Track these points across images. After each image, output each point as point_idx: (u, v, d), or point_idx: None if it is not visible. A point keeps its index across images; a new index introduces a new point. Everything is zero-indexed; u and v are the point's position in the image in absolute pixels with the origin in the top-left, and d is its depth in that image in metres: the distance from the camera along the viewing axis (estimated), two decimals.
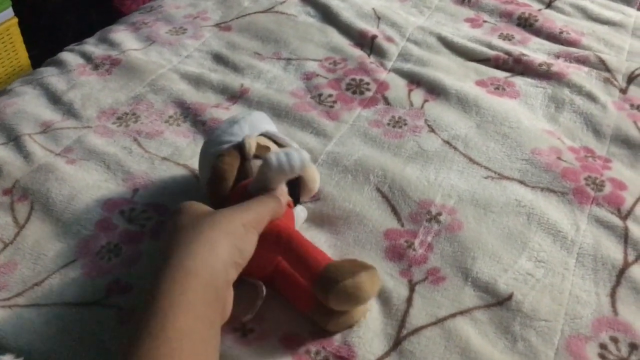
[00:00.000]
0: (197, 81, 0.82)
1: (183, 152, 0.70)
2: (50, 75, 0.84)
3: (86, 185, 0.65)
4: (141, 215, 0.62)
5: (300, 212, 0.59)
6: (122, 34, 0.93)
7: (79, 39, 0.96)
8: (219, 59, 0.86)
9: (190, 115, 0.76)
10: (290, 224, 0.54)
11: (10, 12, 1.55)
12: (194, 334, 0.39)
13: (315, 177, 0.58)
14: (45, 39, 1.73)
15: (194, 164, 0.68)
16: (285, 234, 0.50)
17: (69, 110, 0.77)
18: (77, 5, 1.78)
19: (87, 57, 0.87)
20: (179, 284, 0.41)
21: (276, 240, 0.50)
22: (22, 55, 1.62)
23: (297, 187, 0.55)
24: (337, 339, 0.51)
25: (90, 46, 0.91)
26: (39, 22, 1.75)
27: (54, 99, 0.79)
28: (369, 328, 0.52)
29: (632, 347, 0.50)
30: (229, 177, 0.55)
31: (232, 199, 0.54)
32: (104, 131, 0.73)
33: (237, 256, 0.45)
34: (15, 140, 0.71)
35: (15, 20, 1.56)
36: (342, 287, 0.47)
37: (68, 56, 0.88)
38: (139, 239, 0.60)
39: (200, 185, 0.60)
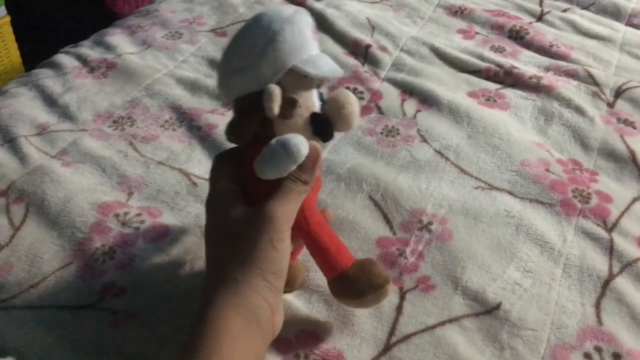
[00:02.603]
0: (192, 86, 0.82)
1: (178, 157, 0.71)
2: (45, 77, 0.84)
3: (81, 188, 0.66)
4: (135, 218, 0.63)
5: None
6: (118, 37, 0.93)
7: (70, 37, 0.96)
8: (215, 65, 0.87)
9: (186, 120, 0.76)
10: (316, 190, 0.52)
11: (2, 10, 1.54)
12: None
13: (354, 110, 0.50)
14: (37, 37, 1.73)
15: (189, 168, 0.69)
16: (308, 223, 0.49)
17: (65, 113, 0.77)
18: (68, 4, 1.78)
19: (83, 60, 0.88)
20: (224, 321, 0.42)
21: (298, 226, 0.48)
22: (14, 54, 1.62)
23: (326, 125, 0.49)
24: (325, 342, 0.52)
25: (86, 49, 0.91)
26: (30, 20, 1.75)
27: (50, 101, 0.80)
28: (358, 334, 0.53)
29: (616, 357, 0.52)
30: (245, 135, 0.47)
31: (247, 157, 0.48)
32: (99, 134, 0.74)
33: (273, 278, 0.45)
34: (10, 142, 0.72)
35: (8, 18, 1.56)
36: (346, 302, 0.51)
37: (64, 58, 0.89)
38: (133, 242, 0.60)
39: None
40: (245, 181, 0.49)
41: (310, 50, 0.48)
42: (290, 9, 0.49)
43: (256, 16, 0.48)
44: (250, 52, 0.46)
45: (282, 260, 0.46)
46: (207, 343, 0.41)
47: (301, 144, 0.46)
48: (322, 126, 0.48)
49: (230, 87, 0.49)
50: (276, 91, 0.46)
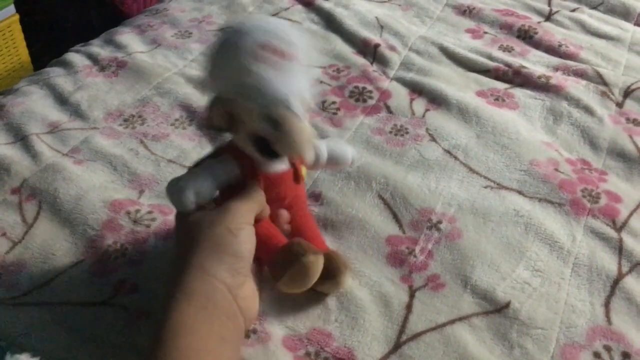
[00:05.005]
0: (202, 85, 0.83)
1: (189, 155, 0.71)
2: (56, 75, 0.85)
3: (93, 185, 0.66)
4: (147, 216, 0.63)
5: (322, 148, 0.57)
6: (127, 36, 0.94)
7: (78, 36, 0.97)
8: None
9: (196, 118, 0.77)
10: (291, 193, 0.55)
11: (11, 8, 1.55)
12: (200, 351, 0.42)
13: (298, 137, 0.48)
14: (45, 36, 1.74)
15: None
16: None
17: (76, 111, 0.78)
18: (77, 3, 1.78)
19: (94, 59, 0.88)
20: (177, 311, 0.43)
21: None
22: (23, 52, 1.63)
23: (264, 145, 0.49)
24: (336, 340, 0.52)
25: (96, 47, 0.92)
26: (39, 18, 1.76)
27: (61, 99, 0.80)
28: (369, 332, 0.53)
29: (625, 356, 0.52)
30: (210, 125, 0.51)
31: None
32: (110, 132, 0.74)
33: (234, 262, 0.46)
34: (23, 140, 0.72)
35: (17, 17, 1.57)
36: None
37: (74, 57, 0.89)
38: (145, 239, 0.61)
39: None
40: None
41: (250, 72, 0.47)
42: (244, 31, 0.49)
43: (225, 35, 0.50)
44: (212, 66, 0.50)
45: (241, 244, 0.47)
46: (164, 338, 0.42)
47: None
48: (262, 146, 0.49)
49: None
50: (213, 106, 0.50)
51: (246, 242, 0.48)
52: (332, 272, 0.54)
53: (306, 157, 0.50)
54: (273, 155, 0.50)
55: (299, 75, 0.49)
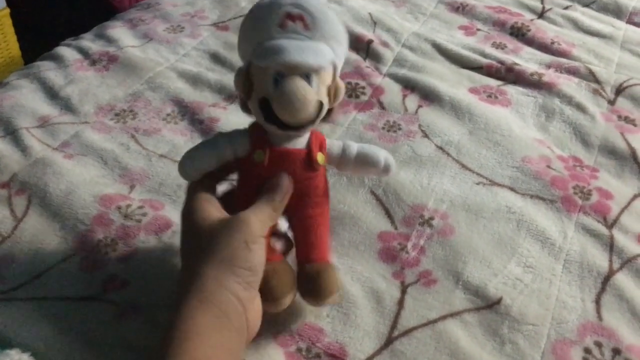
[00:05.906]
0: (194, 80, 0.82)
1: (180, 150, 0.70)
2: (47, 69, 0.84)
3: (83, 180, 0.66)
4: (137, 211, 0.63)
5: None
6: (119, 30, 0.93)
7: (69, 30, 0.96)
8: (216, 59, 0.87)
9: (188, 113, 0.76)
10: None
11: (2, 2, 1.54)
12: None
13: (298, 90, 0.47)
14: (36, 30, 1.73)
15: None
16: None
17: (67, 105, 0.77)
18: None
19: (84, 53, 0.88)
20: (191, 319, 0.43)
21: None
22: (13, 46, 1.62)
23: (267, 109, 0.48)
24: (328, 335, 0.52)
25: (87, 41, 0.91)
26: (30, 12, 1.75)
27: (52, 93, 0.80)
28: (361, 327, 0.53)
29: (615, 352, 0.52)
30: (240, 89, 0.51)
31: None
32: (101, 127, 0.74)
33: (248, 276, 0.46)
34: (12, 134, 0.72)
35: (7, 10, 1.56)
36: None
37: (65, 51, 0.89)
38: (135, 234, 0.60)
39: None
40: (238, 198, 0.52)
41: (273, 37, 0.48)
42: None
43: None
44: (241, 32, 0.52)
45: (255, 258, 0.46)
46: (175, 342, 0.41)
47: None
48: (266, 109, 0.48)
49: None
50: (238, 73, 0.50)
51: (260, 256, 0.47)
52: (323, 288, 0.51)
53: (301, 119, 0.48)
54: (276, 120, 0.48)
55: (320, 50, 0.49)
